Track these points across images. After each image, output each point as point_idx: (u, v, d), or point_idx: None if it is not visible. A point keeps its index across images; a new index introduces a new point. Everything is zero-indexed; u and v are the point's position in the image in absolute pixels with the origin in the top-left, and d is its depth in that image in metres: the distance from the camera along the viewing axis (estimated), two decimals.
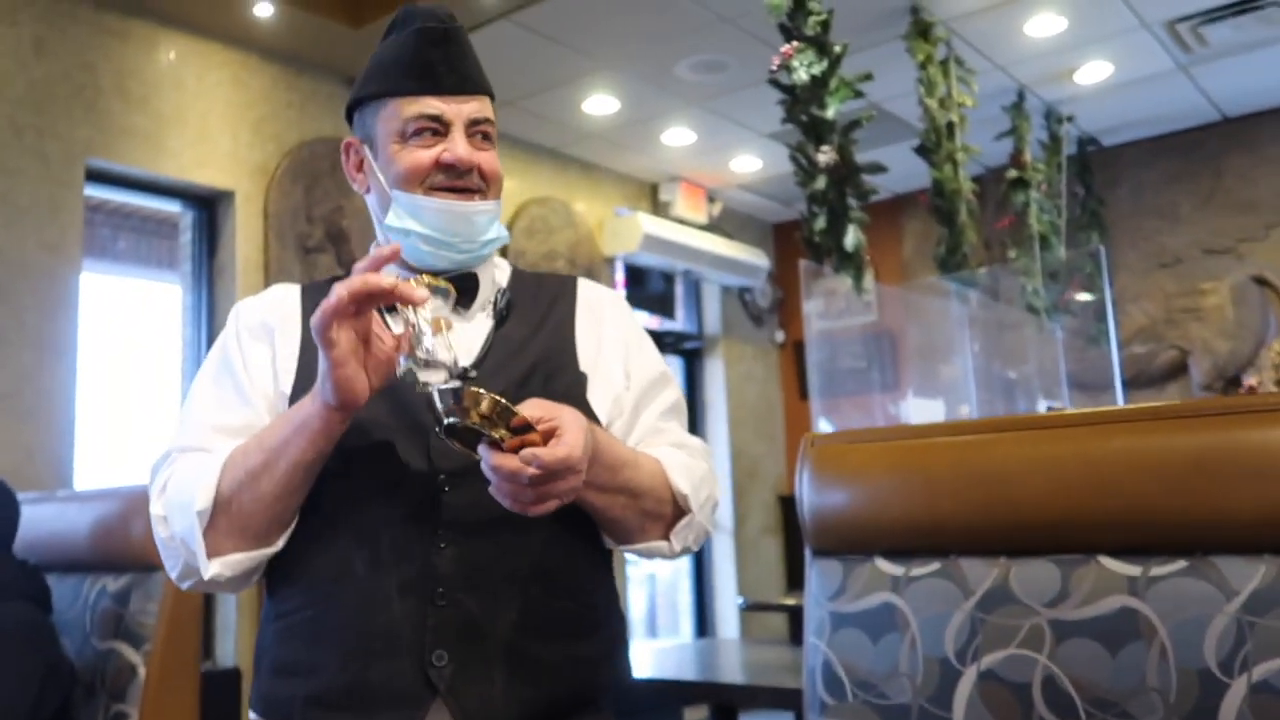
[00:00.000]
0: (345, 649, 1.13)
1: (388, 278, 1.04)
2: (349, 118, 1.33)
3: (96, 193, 3.99)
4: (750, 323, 6.85)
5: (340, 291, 1.02)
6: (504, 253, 5.19)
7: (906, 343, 5.63)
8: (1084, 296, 5.25)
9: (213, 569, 1.13)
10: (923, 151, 4.33)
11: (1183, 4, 4.33)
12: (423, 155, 1.23)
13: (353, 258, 4.39)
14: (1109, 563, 1.02)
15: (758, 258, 6.45)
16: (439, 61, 1.23)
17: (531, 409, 1.04)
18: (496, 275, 1.36)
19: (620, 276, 6.03)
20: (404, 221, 1.24)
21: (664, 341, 6.43)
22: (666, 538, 1.26)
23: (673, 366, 6.54)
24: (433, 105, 1.23)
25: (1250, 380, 5.19)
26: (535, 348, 1.28)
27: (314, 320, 1.03)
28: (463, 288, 1.26)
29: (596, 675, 1.24)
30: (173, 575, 1.18)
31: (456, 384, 1.02)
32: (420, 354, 1.04)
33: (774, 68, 3.56)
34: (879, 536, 1.18)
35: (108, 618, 1.86)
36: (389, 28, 1.30)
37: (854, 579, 1.17)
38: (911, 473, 1.17)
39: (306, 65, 4.48)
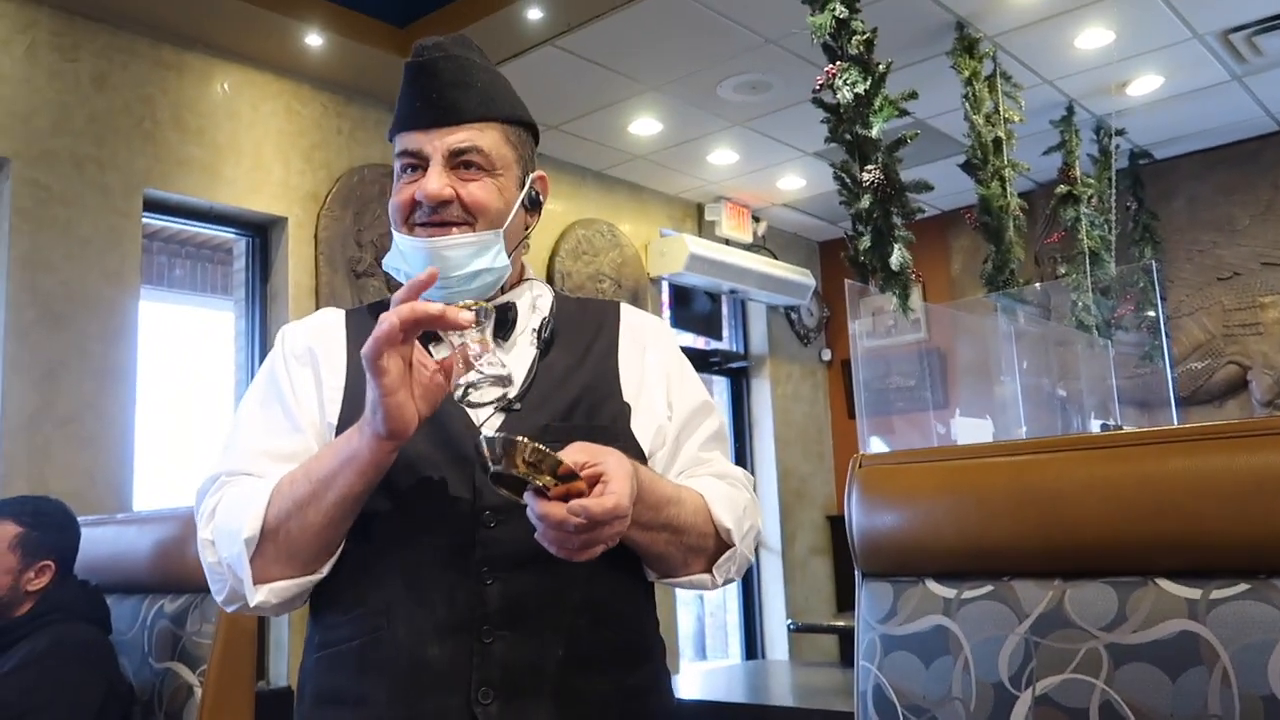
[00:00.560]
0: (393, 682, 1.13)
1: (435, 305, 1.05)
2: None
3: (154, 221, 4.08)
4: (797, 341, 6.82)
5: (391, 320, 1.02)
6: (549, 276, 5.23)
7: (955, 361, 5.57)
8: (1137, 312, 5.16)
9: (259, 596, 1.13)
10: (969, 168, 4.29)
11: (1236, 14, 4.26)
12: (404, 192, 1.24)
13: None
14: (1168, 585, 1.00)
15: (803, 276, 6.43)
16: (419, 95, 1.24)
17: (576, 454, 1.04)
18: (538, 302, 1.35)
19: (666, 297, 6.04)
20: (394, 260, 1.26)
21: (710, 361, 6.42)
22: (709, 571, 1.26)
23: (719, 386, 6.54)
24: (413, 140, 1.24)
25: None
26: (580, 378, 1.27)
27: (365, 349, 1.03)
28: (500, 318, 1.24)
29: (644, 706, 1.24)
30: (219, 599, 1.18)
31: (501, 432, 1.03)
32: (473, 375, 1.06)
33: (817, 87, 3.56)
34: (930, 558, 1.16)
35: (165, 638, 1.89)
36: None
37: (905, 601, 1.16)
38: (963, 494, 1.15)
39: (355, 93, 4.56)
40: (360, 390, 1.10)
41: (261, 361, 4.31)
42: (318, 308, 4.24)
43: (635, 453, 1.23)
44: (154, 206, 3.96)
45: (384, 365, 1.03)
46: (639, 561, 1.25)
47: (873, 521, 1.21)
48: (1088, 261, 4.85)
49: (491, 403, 1.06)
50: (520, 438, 0.99)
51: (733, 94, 4.77)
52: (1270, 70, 4.77)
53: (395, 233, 1.26)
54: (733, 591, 6.37)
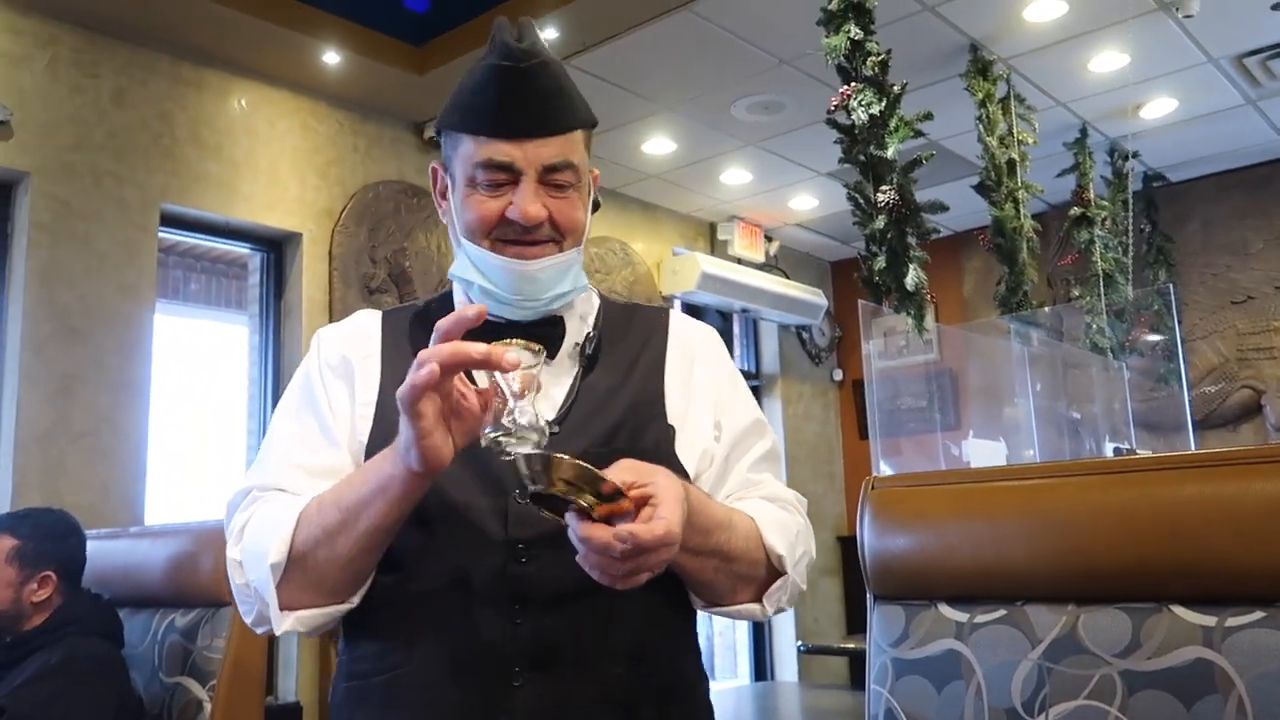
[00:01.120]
0: None
1: (478, 346, 0.94)
2: (439, 133, 1.22)
3: (170, 236, 4.12)
4: (808, 361, 6.82)
5: (431, 366, 0.93)
6: None
7: (968, 382, 5.55)
8: (1152, 336, 5.14)
9: (285, 623, 1.08)
10: (983, 189, 4.29)
11: (1250, 38, 4.26)
12: (491, 207, 1.14)
13: (414, 298, 4.46)
14: (1182, 612, 1.00)
15: (816, 296, 6.43)
16: (513, 100, 1.12)
17: (622, 473, 0.97)
18: (585, 314, 1.27)
19: None
20: (468, 272, 1.17)
21: None
22: (759, 600, 1.18)
23: None
24: (503, 151, 1.12)
25: None
26: (623, 399, 1.19)
27: (401, 394, 0.95)
28: (547, 334, 1.17)
29: None
30: (247, 620, 1.13)
31: (541, 449, 0.95)
32: (506, 421, 0.96)
33: (832, 108, 3.57)
34: (942, 582, 1.16)
35: (176, 653, 1.90)
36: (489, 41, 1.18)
37: (917, 625, 1.16)
38: (976, 517, 1.15)
39: (372, 111, 4.60)
40: (392, 408, 1.03)
41: (276, 375, 4.37)
42: (331, 323, 4.27)
43: (680, 476, 1.14)
44: (171, 221, 3.99)
45: (421, 409, 0.95)
46: (683, 589, 1.17)
47: (885, 544, 1.20)
48: (1102, 284, 4.84)
49: (520, 446, 0.96)
50: (559, 454, 0.92)
51: (746, 114, 4.78)
52: None
53: (471, 244, 1.16)
54: None
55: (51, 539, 1.96)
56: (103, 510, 3.50)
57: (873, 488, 1.24)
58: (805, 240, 6.69)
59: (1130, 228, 5.13)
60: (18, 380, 3.45)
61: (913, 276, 3.50)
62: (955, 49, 4.22)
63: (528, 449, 0.94)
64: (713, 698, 1.25)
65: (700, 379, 1.26)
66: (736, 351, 6.64)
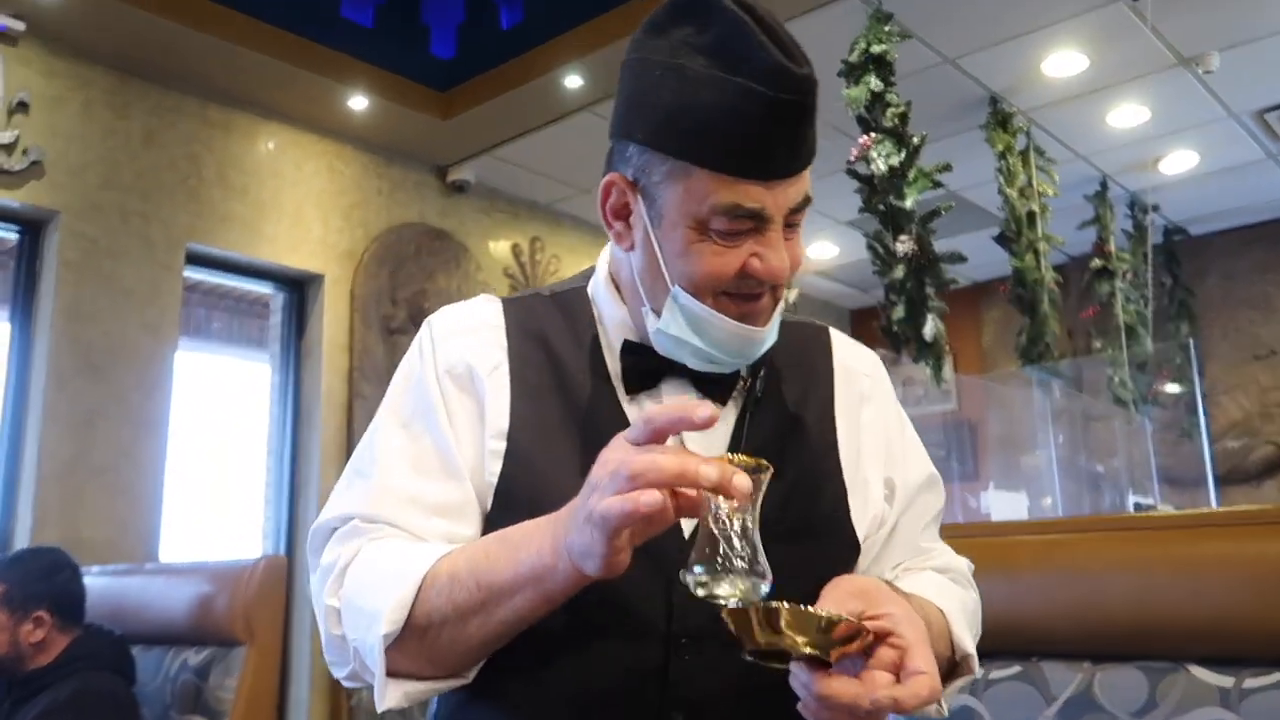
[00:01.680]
0: None
1: (709, 469, 0.74)
2: (614, 135, 0.97)
3: (194, 275, 4.17)
4: None
5: (653, 495, 0.73)
6: None
7: (987, 433, 5.52)
8: (1173, 388, 5.11)
9: (391, 698, 0.89)
10: (1003, 240, 4.30)
11: (1271, 94, 4.27)
12: (729, 262, 0.91)
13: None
14: (1199, 672, 0.98)
15: None
16: (782, 138, 0.90)
17: (846, 599, 0.81)
18: None
19: None
20: (679, 330, 0.94)
21: None
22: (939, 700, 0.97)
23: None
24: (754, 196, 0.90)
25: None
26: (794, 452, 0.99)
27: (608, 514, 0.74)
28: (721, 378, 1.00)
29: None
30: (336, 674, 0.96)
31: (757, 597, 0.77)
32: (719, 561, 0.77)
33: (852, 158, 3.60)
34: None
35: (188, 691, 1.89)
36: (695, 13, 0.90)
37: None
38: (992, 571, 1.14)
39: (396, 154, 4.66)
40: (527, 444, 0.89)
41: (295, 414, 4.39)
42: (351, 364, 4.30)
43: (851, 548, 1.00)
44: (196, 260, 4.04)
45: (621, 544, 0.77)
46: None
47: None
48: (1124, 336, 4.82)
49: (733, 597, 0.77)
50: (777, 604, 0.75)
51: None
52: None
53: (691, 300, 0.93)
54: None
55: (37, 579, 1.96)
56: (120, 545, 3.51)
57: None
58: (825, 288, 6.70)
59: (1150, 280, 5.12)
60: (41, 415, 3.49)
61: (931, 326, 3.50)
62: (975, 101, 4.25)
63: (735, 593, 0.76)
64: None
65: (869, 421, 1.07)
66: None
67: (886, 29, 3.52)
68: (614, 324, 1.01)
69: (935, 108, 4.14)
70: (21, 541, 3.35)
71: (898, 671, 0.78)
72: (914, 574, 1.03)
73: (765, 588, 0.76)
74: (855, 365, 1.10)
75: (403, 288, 4.56)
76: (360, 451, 1.02)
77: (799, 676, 0.78)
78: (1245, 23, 3.72)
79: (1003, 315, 6.07)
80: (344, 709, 4.05)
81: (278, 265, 4.24)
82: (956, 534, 1.21)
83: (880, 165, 3.50)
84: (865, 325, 6.68)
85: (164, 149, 3.94)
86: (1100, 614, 1.05)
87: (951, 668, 0.96)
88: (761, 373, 1.01)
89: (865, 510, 1.01)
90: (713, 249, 0.91)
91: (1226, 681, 0.96)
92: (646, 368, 0.96)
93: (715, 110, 0.87)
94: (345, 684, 0.96)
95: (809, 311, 6.67)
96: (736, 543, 0.77)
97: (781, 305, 0.97)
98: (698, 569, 0.77)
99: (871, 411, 1.07)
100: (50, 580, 1.98)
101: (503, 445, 0.96)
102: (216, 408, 4.56)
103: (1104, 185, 5.01)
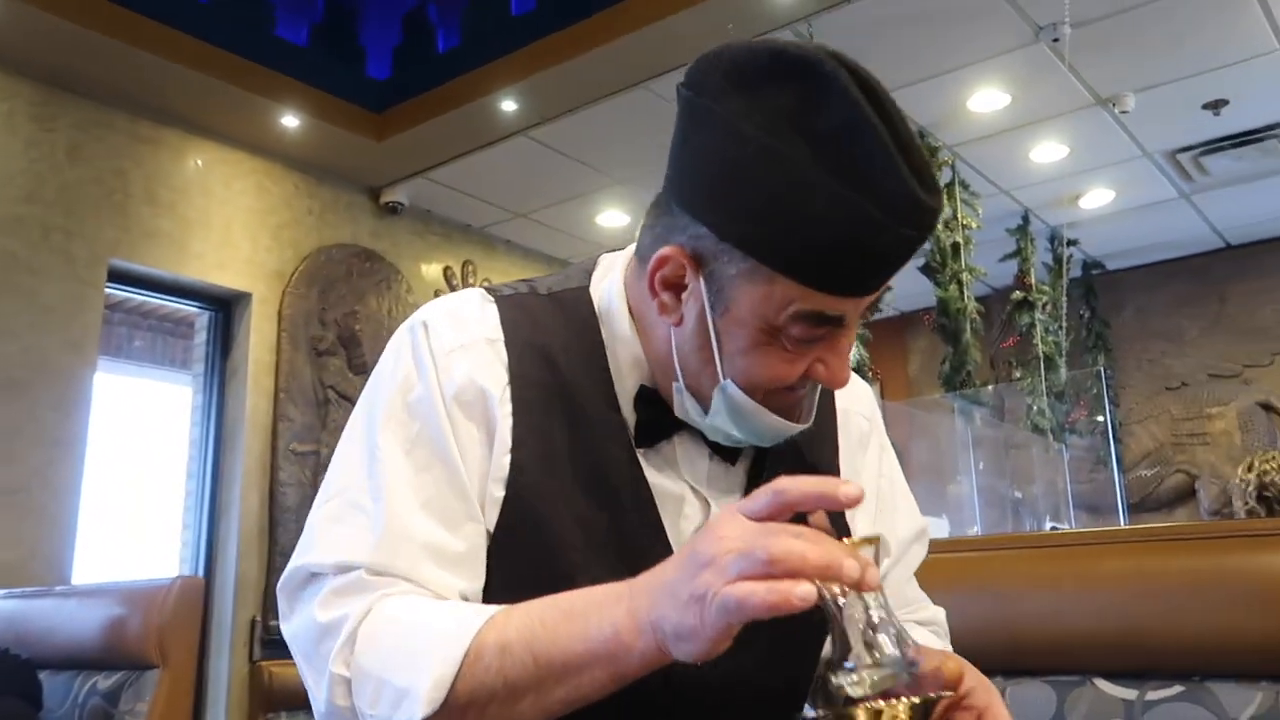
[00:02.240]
0: None
1: (852, 564, 0.66)
2: (677, 199, 0.83)
3: (117, 293, 4.07)
4: None
5: (807, 586, 0.65)
6: None
7: (911, 459, 5.62)
8: (1088, 417, 5.26)
9: None
10: (928, 271, 4.40)
11: (1184, 135, 4.44)
12: (795, 368, 0.83)
13: (364, 361, 4.44)
14: (1105, 685, 1.02)
15: None
16: (890, 264, 0.79)
17: (939, 678, 0.75)
18: None
19: None
20: (721, 419, 0.86)
21: None
22: None
23: None
24: (837, 306, 0.80)
25: None
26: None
27: (738, 602, 0.65)
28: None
29: None
30: None
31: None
32: (850, 662, 0.68)
33: None
34: None
35: (96, 716, 1.84)
36: (799, 78, 0.75)
37: None
38: None
39: (328, 174, 4.62)
40: (530, 487, 0.82)
41: (218, 437, 4.30)
42: (277, 385, 4.23)
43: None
44: (118, 277, 3.95)
45: (736, 631, 0.69)
46: None
47: None
48: (1043, 366, 4.95)
49: (871, 696, 0.67)
50: (893, 701, 0.67)
51: None
52: (1216, 189, 4.97)
53: (740, 396, 0.84)
54: None
55: None
56: (29, 568, 3.39)
57: None
58: None
59: (1068, 312, 5.28)
60: None
61: (855, 354, 3.56)
62: None
63: (876, 682, 0.67)
64: None
65: (865, 467, 1.02)
66: None
67: None
68: (627, 358, 0.91)
69: None
70: None
71: None
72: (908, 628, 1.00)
73: (904, 678, 0.68)
74: (853, 405, 1.04)
75: (333, 309, 4.51)
76: (350, 475, 0.88)
77: None
78: (1159, 65, 3.88)
79: (929, 345, 6.20)
80: None
81: (204, 283, 4.16)
82: None
83: None
84: None
85: (89, 163, 3.86)
86: (1010, 630, 1.08)
87: None
88: None
89: None
90: (780, 354, 0.82)
91: (1131, 694, 1.00)
92: (663, 421, 0.89)
93: (823, 227, 0.75)
94: None
95: None
96: (881, 647, 0.68)
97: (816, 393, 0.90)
98: (836, 676, 0.67)
99: (868, 458, 1.03)
100: None
101: (502, 491, 0.86)
102: (136, 428, 4.45)
103: (1025, 219, 5.16)
